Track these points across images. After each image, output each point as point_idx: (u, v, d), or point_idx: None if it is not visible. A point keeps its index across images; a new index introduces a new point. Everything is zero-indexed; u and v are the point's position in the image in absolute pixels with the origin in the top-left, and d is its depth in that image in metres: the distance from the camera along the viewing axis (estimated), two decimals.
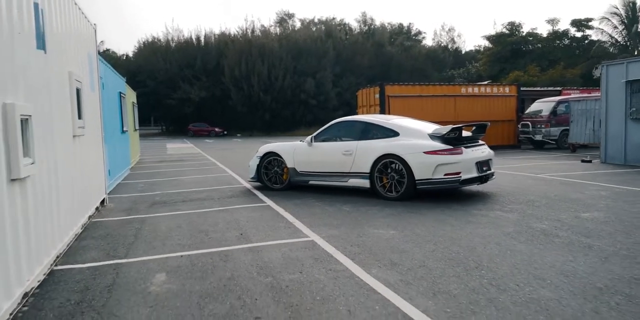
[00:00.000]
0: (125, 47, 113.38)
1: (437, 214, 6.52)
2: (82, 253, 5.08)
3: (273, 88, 44.27)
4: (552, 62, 42.30)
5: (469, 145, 7.47)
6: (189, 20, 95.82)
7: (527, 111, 18.89)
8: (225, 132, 44.11)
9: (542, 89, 23.80)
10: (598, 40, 39.81)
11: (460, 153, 7.16)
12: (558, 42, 45.03)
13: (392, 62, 49.77)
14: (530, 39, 46.35)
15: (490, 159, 7.81)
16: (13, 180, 3.56)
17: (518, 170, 11.37)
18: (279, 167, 8.89)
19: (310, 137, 8.60)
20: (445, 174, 7.09)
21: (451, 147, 7.17)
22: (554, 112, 17.56)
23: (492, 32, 49.82)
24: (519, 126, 18.54)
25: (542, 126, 17.58)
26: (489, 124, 8.33)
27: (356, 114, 18.96)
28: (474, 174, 7.30)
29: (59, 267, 4.59)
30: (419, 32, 60.70)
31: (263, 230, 5.85)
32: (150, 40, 51.45)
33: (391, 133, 7.69)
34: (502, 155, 16.03)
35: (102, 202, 7.82)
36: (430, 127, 7.80)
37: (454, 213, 6.54)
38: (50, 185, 4.57)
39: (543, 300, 3.47)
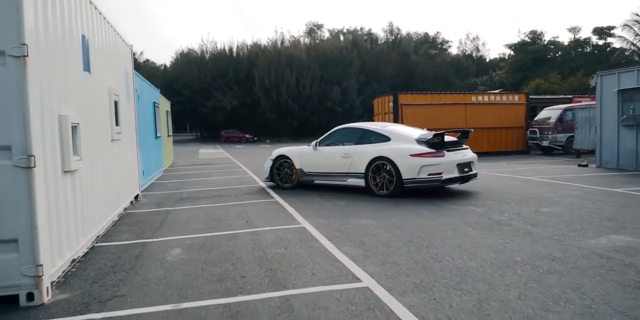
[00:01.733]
0: (164, 57, 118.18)
1: (417, 208, 7.48)
2: (117, 235, 6.30)
3: (301, 96, 45.79)
4: (573, 69, 42.33)
5: (451, 149, 8.38)
6: (222, 32, 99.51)
7: (536, 118, 19.52)
8: (256, 138, 45.84)
9: (554, 97, 24.35)
10: (620, 48, 39.56)
11: (442, 156, 8.10)
12: (580, 49, 45.05)
13: (416, 71, 50.60)
14: (552, 47, 46.50)
15: (472, 162, 8.69)
16: (66, 171, 4.77)
17: (513, 173, 12.13)
18: (289, 168, 10.01)
19: (315, 142, 9.71)
20: (429, 174, 8.04)
21: (434, 150, 8.11)
22: (560, 119, 18.17)
23: (516, 41, 50.24)
24: (528, 132, 19.19)
25: (549, 133, 18.20)
26: (472, 130, 9.22)
27: (373, 121, 19.96)
28: (455, 175, 8.22)
29: (99, 244, 5.80)
30: (445, 41, 61.35)
31: (265, 219, 6.95)
32: (186, 51, 54.05)
33: (384, 138, 8.70)
34: (509, 160, 16.74)
35: (136, 197, 9.09)
36: (418, 133, 8.77)
37: (432, 207, 7.49)
38: (92, 179, 5.80)
39: (465, 268, 4.43)
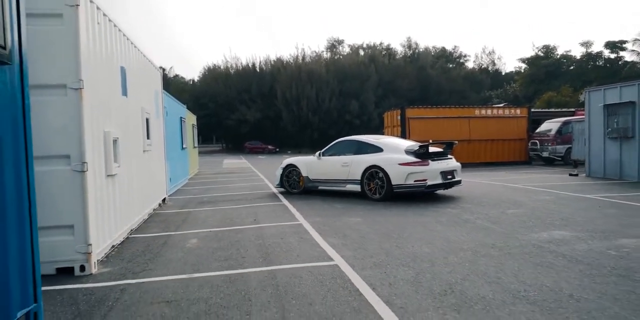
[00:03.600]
0: (192, 73, 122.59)
1: (401, 210, 8.61)
2: (147, 229, 7.62)
3: (320, 109, 47.51)
4: (586, 82, 42.84)
5: (435, 158, 9.50)
6: (247, 48, 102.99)
7: (537, 130, 20.42)
8: (278, 150, 47.49)
9: (557, 110, 25.21)
10: (632, 61, 39.90)
11: (427, 164, 9.23)
12: (592, 63, 45.61)
13: (432, 84, 51.86)
14: (564, 61, 47.17)
15: (455, 170, 9.78)
16: (108, 175, 6.11)
17: (505, 182, 13.09)
18: (296, 175, 11.27)
19: (319, 152, 10.96)
20: (415, 181, 9.17)
21: (420, 160, 9.25)
22: (559, 131, 19.07)
23: (530, 55, 51.18)
24: (529, 144, 20.08)
25: (549, 144, 19.10)
26: (457, 142, 10.33)
27: (383, 133, 21.13)
28: (439, 181, 9.33)
29: (132, 236, 7.11)
30: (462, 55, 62.40)
31: (271, 218, 8.18)
32: (212, 67, 56.42)
33: (377, 149, 9.88)
34: (508, 170, 17.64)
35: (164, 200, 10.46)
36: (407, 144, 9.92)
37: (415, 209, 8.61)
38: (128, 182, 7.14)
39: (419, 253, 5.56)
